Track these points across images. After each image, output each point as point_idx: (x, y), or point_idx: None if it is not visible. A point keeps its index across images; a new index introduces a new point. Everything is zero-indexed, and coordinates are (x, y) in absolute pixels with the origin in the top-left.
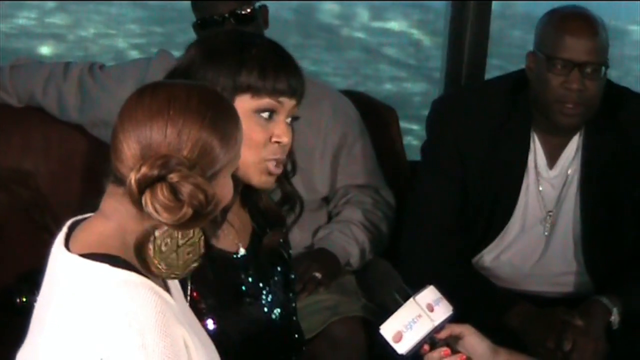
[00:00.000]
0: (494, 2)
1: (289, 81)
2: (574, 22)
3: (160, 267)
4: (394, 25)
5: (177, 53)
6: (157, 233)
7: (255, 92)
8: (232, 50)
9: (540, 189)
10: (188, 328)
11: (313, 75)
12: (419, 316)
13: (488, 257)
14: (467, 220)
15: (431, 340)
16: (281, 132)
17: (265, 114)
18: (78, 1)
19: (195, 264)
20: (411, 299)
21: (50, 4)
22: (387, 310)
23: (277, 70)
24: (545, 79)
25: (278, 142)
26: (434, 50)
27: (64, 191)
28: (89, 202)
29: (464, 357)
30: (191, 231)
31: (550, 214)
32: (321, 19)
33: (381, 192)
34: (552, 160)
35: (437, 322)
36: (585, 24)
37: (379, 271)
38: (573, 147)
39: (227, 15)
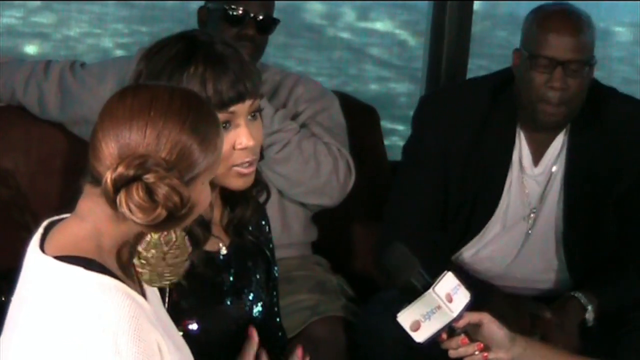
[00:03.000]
0: (478, 3)
1: (236, 88)
2: (557, 20)
3: (152, 278)
4: (380, 25)
5: None
6: (140, 248)
7: None
8: (171, 70)
9: (525, 185)
10: (162, 332)
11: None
12: (438, 307)
13: (467, 253)
14: (449, 217)
15: (449, 329)
16: (243, 137)
17: (224, 126)
18: (63, 0)
19: (186, 264)
20: (430, 290)
21: (36, 3)
22: (404, 297)
23: (220, 82)
24: (529, 77)
25: (244, 148)
26: (419, 50)
27: (44, 190)
28: (69, 201)
29: (482, 345)
30: (172, 234)
31: (534, 211)
32: (306, 19)
33: (342, 150)
34: (537, 157)
35: (456, 314)
36: (569, 21)
37: (396, 256)
38: (558, 144)
39: (253, 15)
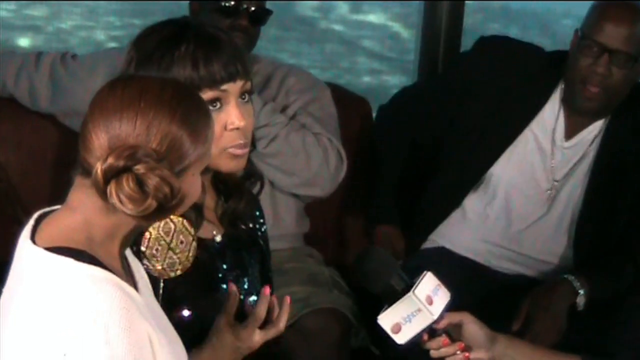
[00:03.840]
0: None
1: (225, 67)
2: (616, 10)
3: (166, 271)
4: (373, 17)
5: None
6: (142, 248)
7: (194, 88)
8: (162, 51)
9: (553, 157)
10: (153, 324)
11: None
12: (418, 310)
13: (474, 204)
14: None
15: (431, 330)
16: (234, 117)
17: (215, 105)
18: None
19: (194, 244)
20: (410, 294)
21: None
22: (384, 299)
23: (210, 60)
24: (576, 57)
25: (236, 128)
26: (412, 43)
27: (35, 182)
28: (60, 193)
29: (462, 345)
30: (171, 223)
31: (556, 184)
32: (300, 12)
33: (333, 140)
34: (570, 134)
35: (436, 316)
36: (628, 13)
37: (376, 258)
38: (594, 130)
39: (245, 6)
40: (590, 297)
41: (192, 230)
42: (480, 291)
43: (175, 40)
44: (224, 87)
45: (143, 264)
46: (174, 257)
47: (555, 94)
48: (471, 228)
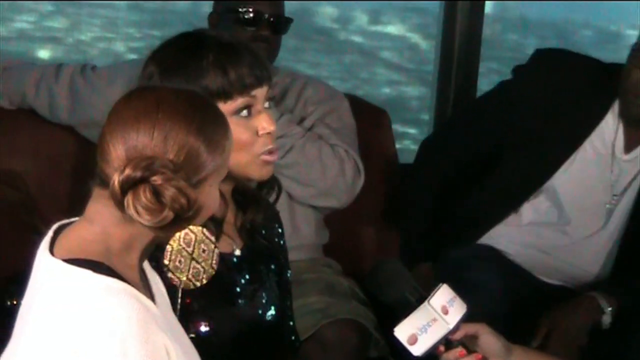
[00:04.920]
0: (489, 5)
1: (254, 72)
2: None
3: (192, 281)
4: (391, 28)
5: None
6: (165, 261)
7: (226, 96)
8: (186, 62)
9: (613, 171)
10: (170, 336)
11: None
12: (434, 320)
13: (532, 205)
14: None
15: (446, 341)
16: (265, 122)
17: (244, 112)
18: (76, 1)
19: (216, 251)
20: (425, 303)
21: (49, 7)
22: (398, 311)
23: (239, 67)
24: (629, 69)
25: (267, 133)
26: (430, 54)
27: (53, 193)
28: (78, 204)
29: (480, 356)
30: (191, 234)
31: (615, 198)
32: (318, 23)
33: (349, 151)
34: (629, 147)
35: (452, 325)
36: None
37: (390, 271)
38: None
39: (267, 16)
40: (616, 316)
41: (212, 239)
42: (519, 297)
43: (197, 50)
44: (254, 92)
45: (168, 277)
46: (198, 266)
47: (614, 107)
48: (523, 234)
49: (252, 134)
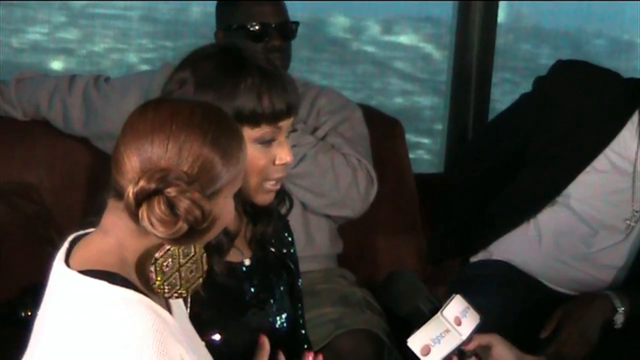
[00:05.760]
0: (502, 16)
1: (286, 102)
2: None
3: (163, 287)
4: (404, 38)
5: None
6: (157, 254)
7: (254, 122)
8: (227, 81)
9: (634, 186)
10: (187, 346)
11: None
12: (447, 331)
13: (552, 212)
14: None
15: (459, 352)
16: (284, 154)
17: (267, 142)
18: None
19: (199, 281)
20: (438, 314)
21: (61, 19)
22: (412, 322)
23: (274, 95)
24: None
25: (282, 164)
26: (444, 64)
27: (68, 204)
28: (93, 216)
29: None
30: (192, 249)
31: (636, 214)
32: (331, 33)
33: (362, 160)
34: None
35: (465, 337)
36: None
37: (403, 282)
38: None
39: (274, 25)
40: (630, 316)
41: (205, 267)
42: (531, 306)
43: (237, 71)
44: (281, 123)
45: (150, 270)
46: (178, 281)
47: (633, 121)
48: (535, 243)
49: (268, 161)
